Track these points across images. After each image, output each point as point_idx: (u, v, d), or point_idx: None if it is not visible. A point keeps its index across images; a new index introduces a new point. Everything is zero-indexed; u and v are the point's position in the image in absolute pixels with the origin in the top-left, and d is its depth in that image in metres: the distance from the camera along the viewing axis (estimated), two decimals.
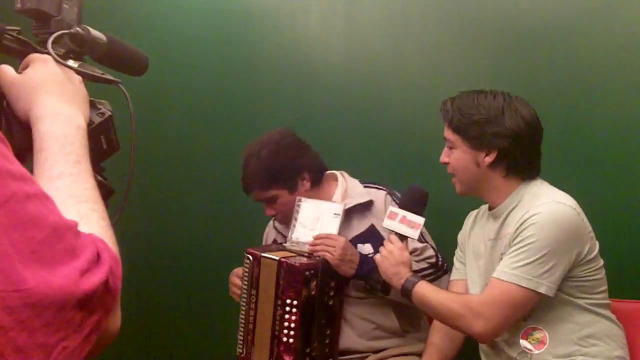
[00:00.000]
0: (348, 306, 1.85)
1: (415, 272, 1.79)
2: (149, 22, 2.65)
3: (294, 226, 1.89)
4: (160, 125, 2.58)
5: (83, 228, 0.60)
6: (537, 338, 1.53)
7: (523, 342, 1.51)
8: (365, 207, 1.90)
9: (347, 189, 1.95)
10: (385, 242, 1.66)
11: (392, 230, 1.66)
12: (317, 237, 1.79)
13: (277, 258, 1.72)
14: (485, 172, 1.59)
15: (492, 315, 1.48)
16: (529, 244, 1.47)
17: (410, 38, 2.33)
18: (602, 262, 1.57)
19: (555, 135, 2.10)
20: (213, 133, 2.58)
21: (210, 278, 2.04)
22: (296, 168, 1.92)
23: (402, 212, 1.65)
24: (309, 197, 1.90)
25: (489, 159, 1.57)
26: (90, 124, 0.79)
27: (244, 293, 1.80)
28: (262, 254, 1.76)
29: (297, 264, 1.69)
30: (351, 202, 1.89)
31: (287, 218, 1.93)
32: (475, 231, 1.73)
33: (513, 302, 1.48)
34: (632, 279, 1.95)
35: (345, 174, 2.02)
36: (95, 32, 0.86)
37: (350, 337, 1.84)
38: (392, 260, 1.61)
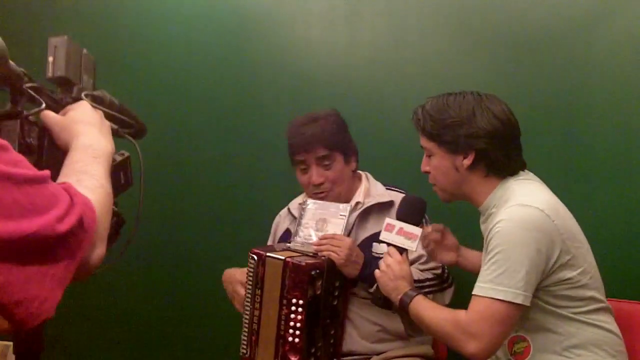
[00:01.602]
0: (353, 307, 1.85)
1: (419, 281, 1.79)
2: (148, 25, 2.64)
3: (299, 226, 1.90)
4: (159, 129, 2.57)
5: (75, 186, 0.77)
6: (521, 347, 1.52)
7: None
8: (385, 207, 1.91)
9: (370, 189, 1.98)
10: (384, 256, 1.63)
11: (390, 243, 1.63)
12: (322, 237, 1.79)
13: (283, 258, 1.72)
14: (465, 176, 1.56)
15: (483, 334, 1.41)
16: (496, 254, 1.42)
17: (410, 42, 2.34)
18: (584, 266, 1.49)
19: (555, 138, 2.14)
20: (214, 138, 2.58)
21: (214, 278, 2.02)
22: (352, 145, 1.98)
23: (399, 224, 1.63)
24: (342, 183, 1.92)
25: (467, 162, 1.54)
26: (113, 161, 0.97)
27: (248, 293, 1.79)
28: (267, 254, 1.76)
29: (304, 264, 1.69)
30: (370, 201, 1.91)
31: (332, 193, 1.92)
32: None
33: (497, 317, 1.41)
34: (632, 279, 1.97)
35: (370, 176, 2.04)
36: (110, 96, 1.09)
37: (354, 339, 1.85)
38: (390, 275, 1.59)
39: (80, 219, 0.72)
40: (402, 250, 1.62)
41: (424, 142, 1.61)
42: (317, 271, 1.70)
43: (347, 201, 1.93)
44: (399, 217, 1.66)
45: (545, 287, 1.46)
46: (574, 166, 2.11)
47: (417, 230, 1.62)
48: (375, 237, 1.83)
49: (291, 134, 1.94)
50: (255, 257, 1.78)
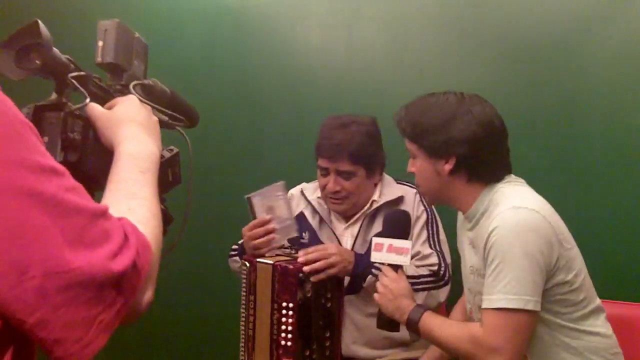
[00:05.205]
0: (356, 314, 1.88)
1: (413, 277, 1.78)
2: (148, 26, 2.66)
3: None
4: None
5: (128, 217, 0.71)
6: None
7: None
8: (394, 203, 1.92)
9: (383, 188, 1.98)
10: (380, 277, 1.61)
11: (382, 264, 1.61)
12: (305, 252, 1.76)
13: (272, 262, 1.73)
14: (447, 181, 1.53)
15: (504, 347, 1.37)
16: (499, 263, 1.38)
17: (410, 46, 2.35)
18: (577, 268, 1.46)
19: (555, 140, 2.13)
20: (213, 140, 2.60)
21: (215, 288, 2.06)
22: (379, 158, 1.94)
23: (387, 241, 1.60)
24: (358, 194, 1.90)
25: (448, 167, 1.50)
26: (161, 157, 0.91)
27: (243, 300, 1.81)
28: (258, 260, 1.78)
29: (291, 267, 1.70)
30: (380, 201, 1.92)
31: (347, 201, 1.91)
32: (461, 230, 1.67)
33: (514, 328, 1.37)
34: (630, 281, 1.94)
35: (384, 174, 2.02)
36: (161, 85, 1.02)
37: (357, 345, 1.88)
38: (390, 296, 1.55)
39: (134, 260, 0.66)
40: (396, 268, 1.59)
41: (407, 143, 1.59)
42: (305, 273, 1.70)
43: (364, 206, 1.95)
44: (386, 234, 1.63)
45: (544, 291, 1.42)
46: (572, 167, 2.09)
47: (407, 244, 1.59)
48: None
49: (321, 136, 1.91)
50: (247, 264, 1.80)
